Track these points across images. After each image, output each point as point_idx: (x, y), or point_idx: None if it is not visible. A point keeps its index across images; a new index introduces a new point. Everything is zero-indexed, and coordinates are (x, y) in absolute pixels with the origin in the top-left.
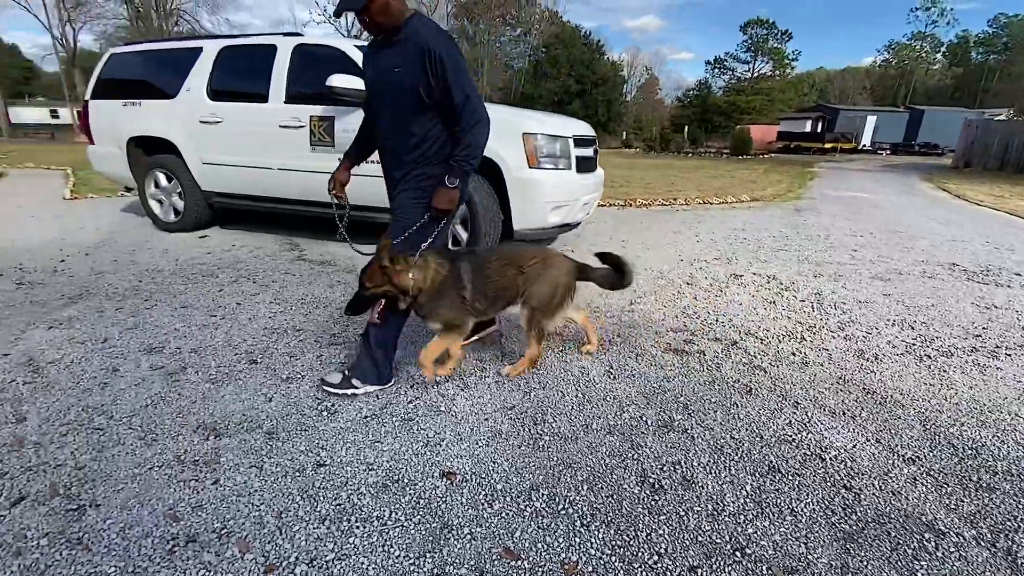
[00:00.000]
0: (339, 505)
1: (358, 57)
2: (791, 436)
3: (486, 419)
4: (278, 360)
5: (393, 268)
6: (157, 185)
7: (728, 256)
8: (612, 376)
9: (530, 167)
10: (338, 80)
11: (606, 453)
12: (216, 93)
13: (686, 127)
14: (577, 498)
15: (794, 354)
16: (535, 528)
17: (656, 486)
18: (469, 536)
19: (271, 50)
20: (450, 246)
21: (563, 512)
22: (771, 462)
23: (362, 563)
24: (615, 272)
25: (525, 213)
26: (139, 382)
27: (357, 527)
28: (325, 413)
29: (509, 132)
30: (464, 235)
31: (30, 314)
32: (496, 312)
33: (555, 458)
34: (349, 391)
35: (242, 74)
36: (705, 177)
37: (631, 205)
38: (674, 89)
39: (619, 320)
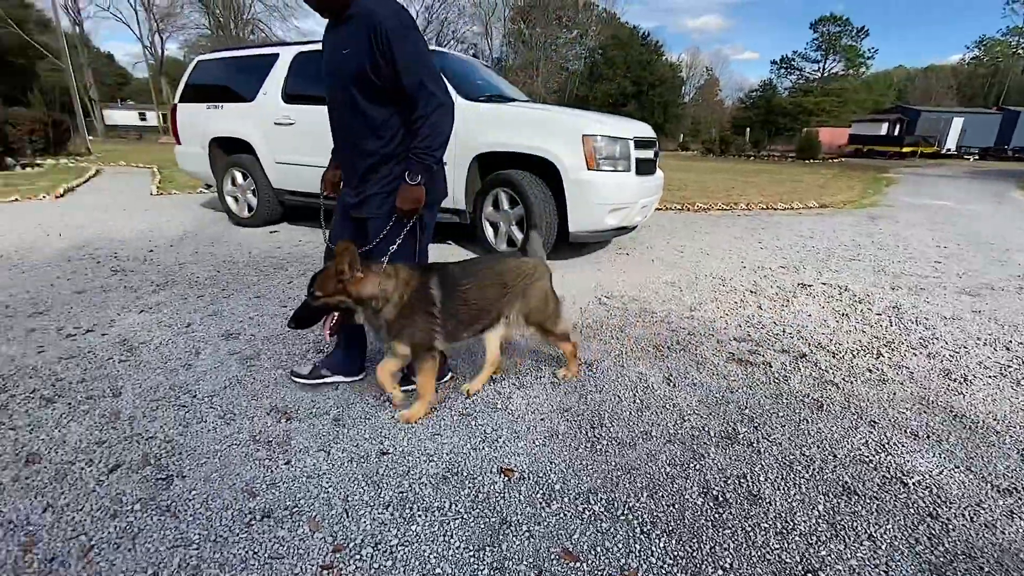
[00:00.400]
0: (402, 493)
1: None
2: (868, 457)
3: (542, 419)
4: None
5: (351, 275)
6: (234, 183)
7: (795, 264)
8: (671, 384)
9: (589, 169)
10: None
11: (666, 462)
12: (289, 96)
13: (748, 129)
14: (637, 505)
15: (870, 370)
16: (594, 531)
17: (720, 499)
18: (527, 534)
19: None
20: (498, 247)
21: (622, 517)
22: (846, 483)
23: (424, 551)
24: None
25: (581, 215)
26: (218, 365)
27: (419, 515)
28: (387, 404)
29: (568, 133)
30: (519, 235)
31: (124, 298)
32: (470, 336)
33: (613, 463)
34: (318, 381)
35: (313, 78)
36: (769, 181)
37: (689, 209)
38: (735, 90)
39: (678, 327)
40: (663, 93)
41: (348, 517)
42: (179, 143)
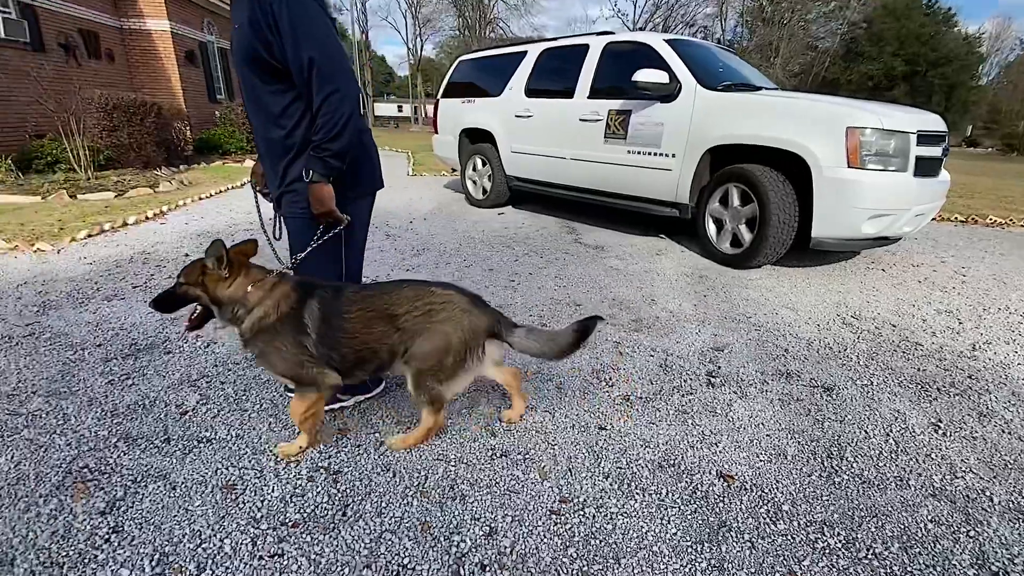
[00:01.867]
0: (620, 468)
1: (667, 51)
2: None
3: (768, 435)
4: (562, 327)
5: (215, 271)
6: (474, 168)
7: None
8: (940, 431)
9: (850, 166)
10: (643, 75)
11: (928, 517)
12: (531, 91)
13: None
14: (885, 553)
15: None
16: (827, 565)
17: None
18: (750, 545)
19: (583, 49)
20: (719, 246)
21: (865, 561)
22: None
23: (642, 527)
24: (560, 338)
25: (832, 219)
26: None
27: (637, 493)
28: (604, 384)
29: (826, 123)
30: (748, 237)
31: (393, 258)
32: (366, 375)
33: (855, 501)
34: (335, 406)
35: (555, 73)
36: None
37: (976, 222)
38: None
39: (953, 366)
40: (948, 74)
41: (571, 476)
42: (436, 132)
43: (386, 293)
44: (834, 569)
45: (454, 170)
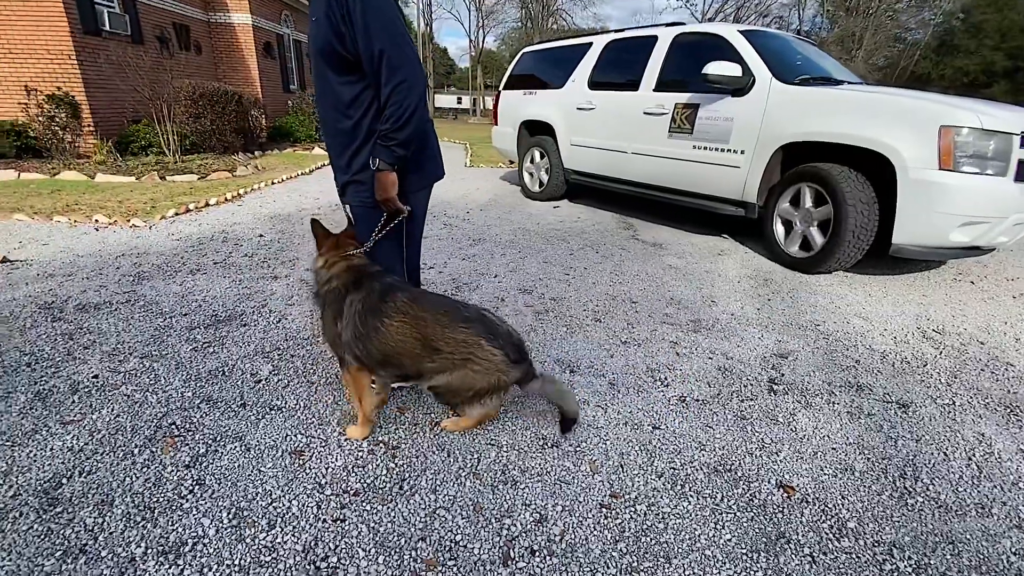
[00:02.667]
0: (674, 469)
1: (741, 43)
2: None
3: (834, 448)
4: (617, 324)
5: (323, 243)
6: (532, 160)
7: None
8: None
9: (941, 168)
10: (714, 68)
11: (1011, 550)
12: (594, 83)
13: None
14: None
15: None
16: None
17: None
18: (810, 559)
19: (651, 41)
20: (787, 248)
21: None
22: None
23: (695, 529)
24: (567, 402)
25: (916, 225)
26: (517, 313)
27: (691, 495)
28: (659, 384)
29: (917, 122)
30: (819, 240)
31: (451, 247)
32: (388, 377)
33: (930, 525)
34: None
35: (620, 65)
36: None
37: None
38: None
39: None
40: None
41: (623, 472)
42: (496, 123)
43: (438, 324)
44: None
45: (512, 162)
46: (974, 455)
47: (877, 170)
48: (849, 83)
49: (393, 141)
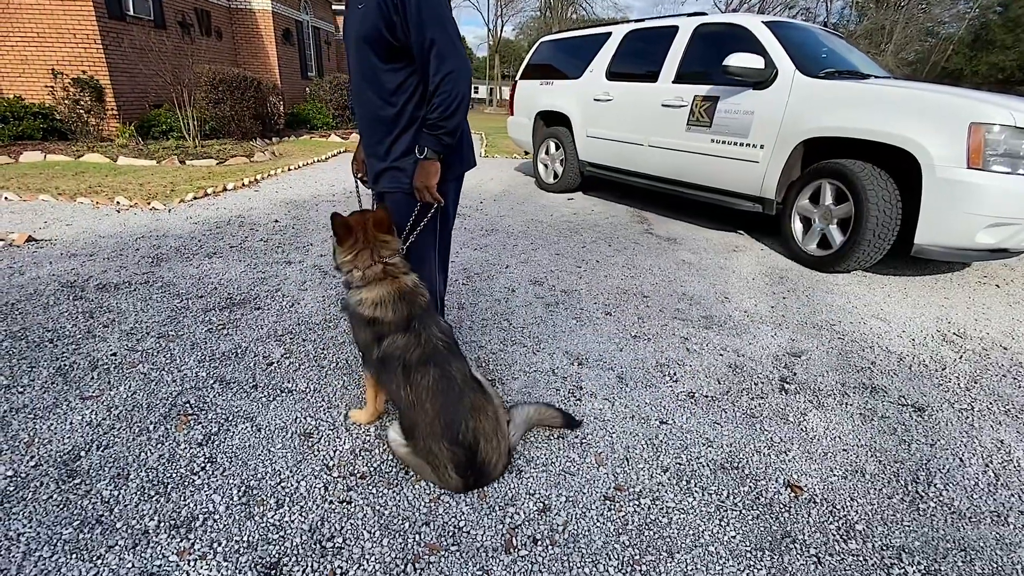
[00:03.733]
0: (680, 464)
1: (764, 34)
2: None
3: (844, 450)
4: (627, 318)
5: (340, 229)
6: (547, 152)
7: None
8: None
9: (970, 166)
10: (735, 59)
11: None
12: (612, 74)
13: None
14: None
15: None
16: None
17: None
18: (815, 559)
19: (672, 31)
20: (805, 246)
21: None
22: None
23: (698, 525)
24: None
25: (941, 225)
26: (527, 304)
27: (696, 491)
28: (668, 379)
29: (946, 118)
30: (839, 238)
31: (464, 237)
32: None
33: (941, 531)
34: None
35: (640, 55)
36: None
37: None
38: None
39: None
40: None
41: (628, 465)
42: (511, 114)
43: (433, 431)
44: None
45: (527, 153)
46: (992, 462)
47: (901, 167)
48: (876, 77)
49: (441, 130)
